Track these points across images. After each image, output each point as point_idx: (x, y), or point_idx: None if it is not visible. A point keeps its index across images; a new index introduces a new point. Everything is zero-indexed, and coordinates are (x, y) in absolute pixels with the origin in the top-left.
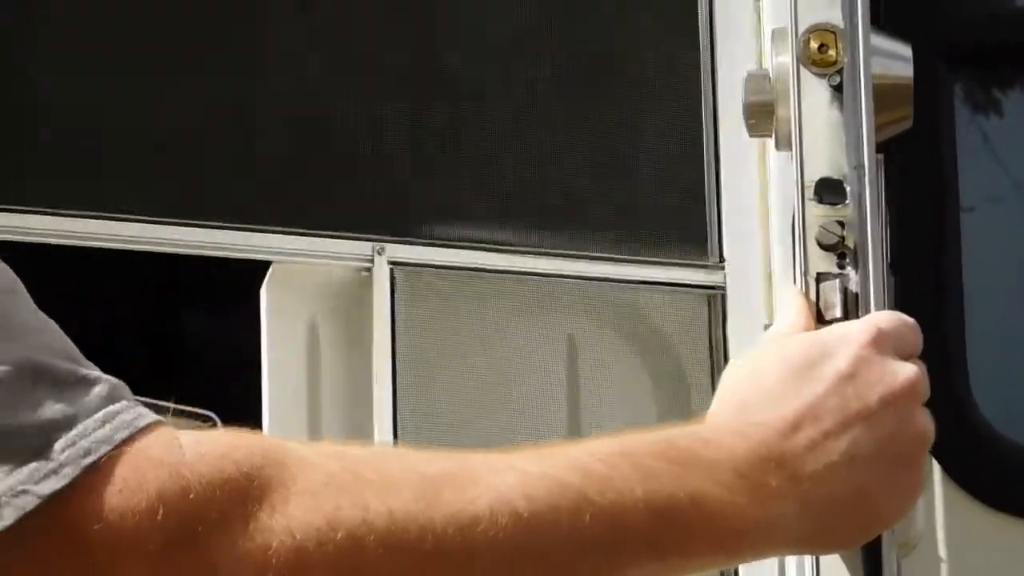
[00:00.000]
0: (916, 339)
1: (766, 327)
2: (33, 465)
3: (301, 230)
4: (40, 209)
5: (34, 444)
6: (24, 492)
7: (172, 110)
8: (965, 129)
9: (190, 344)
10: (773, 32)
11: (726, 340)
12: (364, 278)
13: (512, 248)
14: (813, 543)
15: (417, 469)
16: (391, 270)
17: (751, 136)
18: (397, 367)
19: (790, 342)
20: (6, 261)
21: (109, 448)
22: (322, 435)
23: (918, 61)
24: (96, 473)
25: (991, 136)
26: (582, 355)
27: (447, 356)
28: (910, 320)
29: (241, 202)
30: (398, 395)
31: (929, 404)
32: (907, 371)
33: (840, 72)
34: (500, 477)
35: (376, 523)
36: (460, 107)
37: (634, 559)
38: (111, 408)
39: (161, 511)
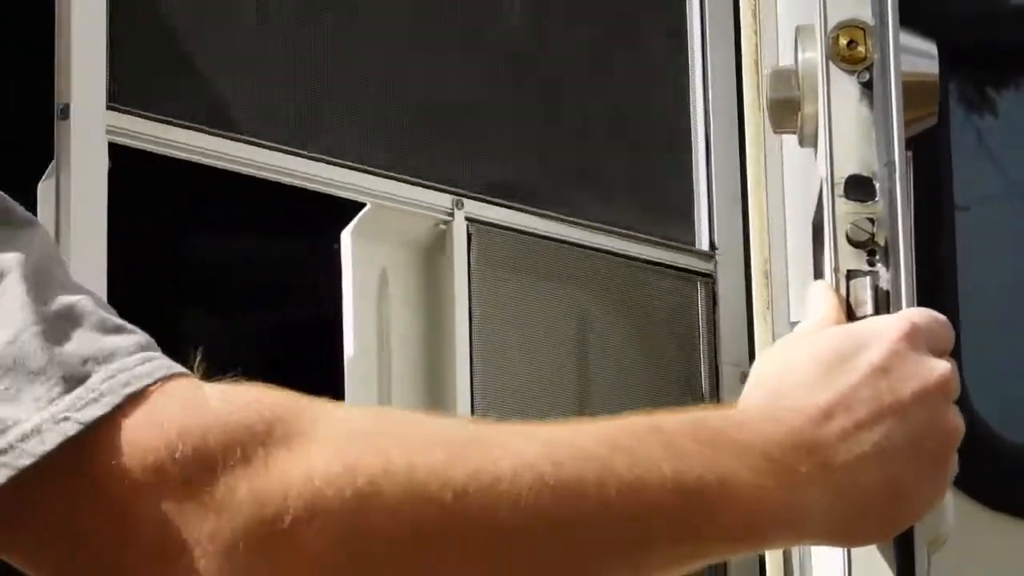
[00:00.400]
0: (949, 336)
1: (792, 325)
2: (75, 394)
3: (393, 174)
4: (169, 119)
5: (76, 375)
6: (66, 419)
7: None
8: (960, 129)
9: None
10: (798, 28)
11: (716, 326)
12: (440, 231)
13: (577, 221)
14: (839, 534)
15: (443, 431)
16: (468, 226)
17: (775, 132)
18: (473, 322)
19: (823, 335)
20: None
21: (149, 382)
22: (391, 385)
23: None
24: (130, 408)
25: (986, 136)
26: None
27: (512, 315)
28: (942, 317)
29: (343, 142)
30: (473, 349)
31: None
32: (941, 367)
33: (869, 69)
34: (527, 444)
35: (396, 474)
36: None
37: (658, 537)
38: (148, 352)
39: (180, 449)
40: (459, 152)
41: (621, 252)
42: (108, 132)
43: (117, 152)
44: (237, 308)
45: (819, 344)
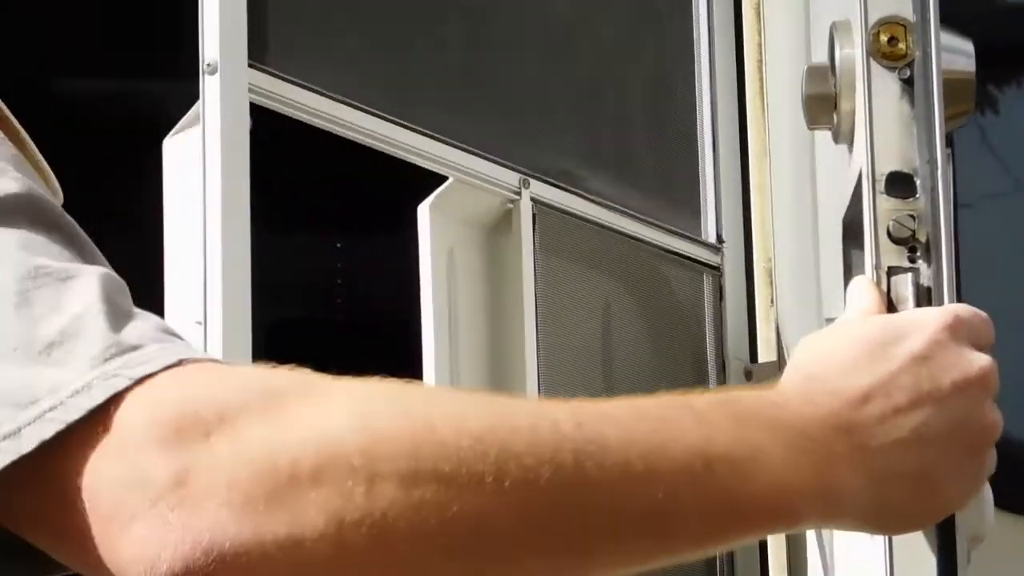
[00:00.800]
0: (990, 333)
1: (828, 321)
2: (125, 358)
3: (470, 148)
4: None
5: (127, 346)
6: (116, 376)
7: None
8: (963, 126)
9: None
10: (834, 24)
11: (723, 316)
12: (507, 210)
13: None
14: (871, 519)
15: (466, 395)
16: (532, 207)
17: (810, 129)
18: (538, 301)
19: (865, 323)
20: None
21: (186, 356)
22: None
23: None
24: (146, 380)
25: (989, 133)
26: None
27: (573, 295)
28: (984, 314)
29: (427, 113)
30: (540, 326)
31: None
32: (982, 360)
33: (910, 66)
34: (551, 407)
35: (411, 418)
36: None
37: (684, 506)
38: (170, 340)
39: (198, 404)
40: (525, 133)
41: (650, 240)
42: (250, 91)
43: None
44: (335, 273)
45: (860, 332)
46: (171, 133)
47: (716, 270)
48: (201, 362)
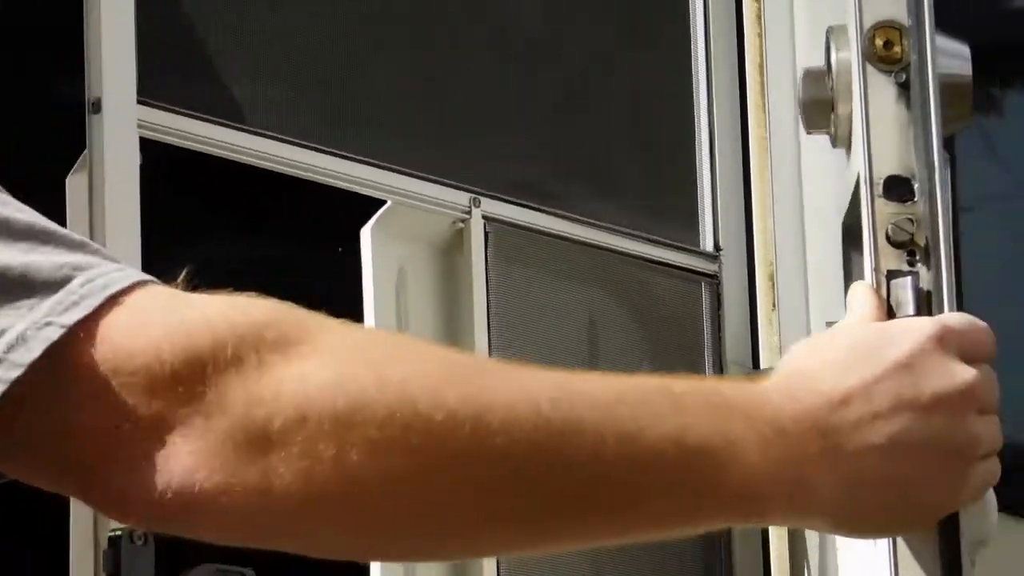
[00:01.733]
0: (986, 344)
1: (829, 324)
2: (55, 298)
3: (412, 171)
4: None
5: (55, 279)
6: (48, 324)
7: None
8: (965, 128)
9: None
10: (830, 29)
11: (721, 324)
12: (457, 230)
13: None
14: (841, 521)
15: (448, 356)
16: (485, 224)
17: (808, 133)
18: (492, 319)
19: (856, 327)
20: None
21: (126, 284)
22: None
23: None
24: (112, 309)
25: (991, 135)
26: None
27: (530, 315)
28: (983, 325)
29: (364, 139)
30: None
31: None
32: (966, 374)
33: (906, 69)
34: (531, 379)
35: (388, 388)
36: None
37: (655, 489)
38: (123, 264)
39: (167, 350)
40: (476, 151)
41: (630, 252)
42: (139, 127)
43: (145, 146)
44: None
45: (850, 335)
46: (72, 171)
47: (713, 278)
48: (147, 289)
